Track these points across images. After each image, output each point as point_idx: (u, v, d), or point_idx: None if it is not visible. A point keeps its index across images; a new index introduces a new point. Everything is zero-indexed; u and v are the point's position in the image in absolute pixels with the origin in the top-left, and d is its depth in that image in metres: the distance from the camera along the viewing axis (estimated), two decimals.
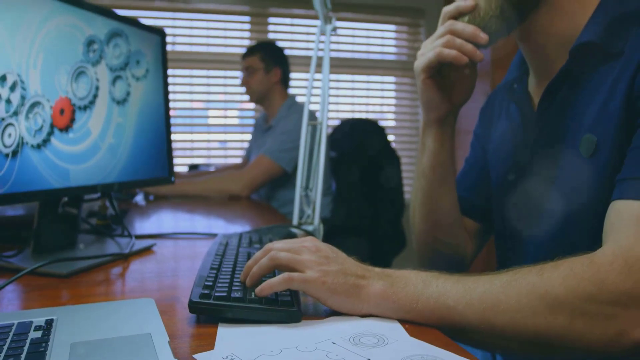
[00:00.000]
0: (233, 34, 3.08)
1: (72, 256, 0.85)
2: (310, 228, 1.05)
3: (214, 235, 1.12)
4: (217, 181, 2.06)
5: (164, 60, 1.12)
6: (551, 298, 0.54)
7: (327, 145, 1.07)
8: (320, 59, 1.10)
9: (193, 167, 2.64)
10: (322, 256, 0.61)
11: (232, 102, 3.13)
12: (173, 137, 1.15)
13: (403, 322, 0.57)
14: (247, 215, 1.67)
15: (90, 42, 0.90)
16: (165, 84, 1.13)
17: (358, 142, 2.38)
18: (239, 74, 2.29)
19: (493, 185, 0.90)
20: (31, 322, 0.54)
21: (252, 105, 3.03)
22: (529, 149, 0.79)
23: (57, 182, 0.84)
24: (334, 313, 0.59)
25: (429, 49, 0.76)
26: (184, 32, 2.98)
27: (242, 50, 2.29)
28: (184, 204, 1.80)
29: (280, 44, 2.59)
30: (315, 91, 2.43)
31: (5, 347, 0.48)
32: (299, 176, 1.07)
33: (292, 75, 2.35)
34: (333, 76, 3.15)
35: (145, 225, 1.37)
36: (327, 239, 0.94)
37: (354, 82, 3.29)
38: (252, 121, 3.07)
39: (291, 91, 2.34)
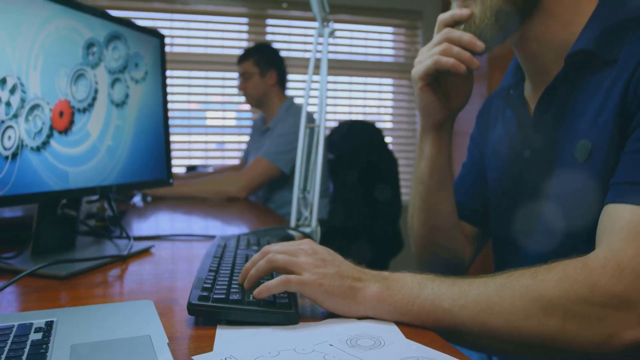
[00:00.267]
0: (231, 36, 3.09)
1: (71, 258, 0.86)
2: (307, 230, 1.06)
3: (211, 237, 1.12)
4: (214, 183, 2.06)
5: (162, 63, 1.12)
6: (544, 300, 0.55)
7: (324, 147, 1.08)
8: (318, 61, 1.11)
9: (191, 169, 2.63)
10: (319, 259, 0.61)
11: (230, 104, 3.14)
12: (170, 138, 1.16)
13: (399, 324, 0.58)
14: (244, 217, 1.67)
15: (89, 45, 0.91)
16: (164, 87, 1.13)
17: (356, 144, 2.38)
18: (236, 75, 2.28)
19: (490, 189, 0.91)
20: (31, 324, 0.54)
21: (249, 106, 3.03)
22: (525, 154, 0.80)
23: (56, 184, 0.84)
24: (331, 315, 0.60)
25: (427, 57, 0.76)
26: (182, 33, 2.99)
27: (240, 52, 2.28)
28: (182, 205, 1.80)
29: (277, 45, 2.59)
30: (313, 93, 2.44)
31: (6, 349, 0.48)
32: (296, 178, 1.07)
33: (290, 77, 2.34)
34: (331, 78, 3.15)
35: (143, 226, 1.37)
36: (324, 240, 0.95)
37: (351, 84, 3.30)
38: (249, 122, 3.07)
39: (289, 93, 2.34)
